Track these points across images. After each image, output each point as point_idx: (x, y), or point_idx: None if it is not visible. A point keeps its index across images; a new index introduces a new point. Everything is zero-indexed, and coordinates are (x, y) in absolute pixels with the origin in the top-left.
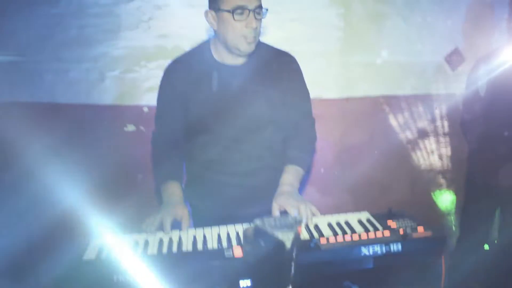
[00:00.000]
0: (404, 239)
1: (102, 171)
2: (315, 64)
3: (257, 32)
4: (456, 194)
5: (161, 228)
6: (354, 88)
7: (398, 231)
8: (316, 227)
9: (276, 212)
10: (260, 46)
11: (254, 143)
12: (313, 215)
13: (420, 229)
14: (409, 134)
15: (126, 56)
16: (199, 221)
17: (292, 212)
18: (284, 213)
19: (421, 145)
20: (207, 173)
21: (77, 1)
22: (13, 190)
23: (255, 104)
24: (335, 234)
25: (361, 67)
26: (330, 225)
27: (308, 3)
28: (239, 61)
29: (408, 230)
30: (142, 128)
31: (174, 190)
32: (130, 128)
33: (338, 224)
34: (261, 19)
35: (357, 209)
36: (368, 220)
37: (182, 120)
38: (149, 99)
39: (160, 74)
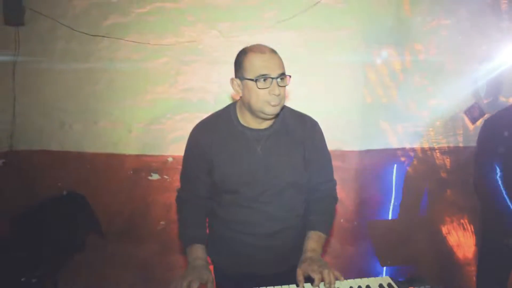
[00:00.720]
0: None
1: (125, 218)
2: (335, 120)
3: (281, 97)
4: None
5: None
6: (373, 142)
7: None
8: None
9: (300, 277)
10: (284, 111)
11: (276, 204)
12: (336, 279)
13: None
14: (428, 184)
15: (152, 108)
16: (220, 277)
17: (316, 277)
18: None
19: (441, 196)
20: (229, 232)
21: (107, 56)
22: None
23: (278, 167)
24: None
25: (380, 121)
26: None
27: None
28: (264, 125)
29: None
30: (166, 176)
31: (199, 254)
32: (155, 176)
33: None
34: (285, 86)
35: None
36: (389, 285)
37: (207, 180)
38: (174, 150)
39: (185, 126)
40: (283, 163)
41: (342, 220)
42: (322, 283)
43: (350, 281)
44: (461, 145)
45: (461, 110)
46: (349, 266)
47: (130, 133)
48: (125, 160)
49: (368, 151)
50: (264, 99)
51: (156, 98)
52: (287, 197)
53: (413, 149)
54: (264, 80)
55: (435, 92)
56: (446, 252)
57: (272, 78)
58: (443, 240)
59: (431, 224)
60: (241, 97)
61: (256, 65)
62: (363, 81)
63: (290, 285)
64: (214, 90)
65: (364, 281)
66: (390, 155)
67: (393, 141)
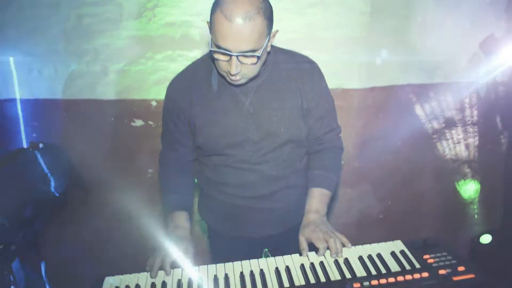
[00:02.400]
0: (444, 282)
1: (111, 168)
2: (338, 52)
3: (243, 74)
4: (481, 184)
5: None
6: (379, 77)
7: (437, 271)
8: (347, 262)
9: (303, 245)
10: (276, 53)
11: (273, 163)
12: (343, 246)
13: (461, 269)
14: (436, 124)
15: (130, 47)
16: (213, 237)
17: (321, 246)
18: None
19: (448, 136)
20: (221, 195)
21: None
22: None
23: (272, 123)
24: (368, 272)
25: (387, 54)
26: (361, 260)
27: None
28: None
29: (448, 270)
30: (150, 122)
31: (180, 222)
32: (138, 123)
33: (370, 258)
34: (251, 63)
35: (377, 200)
36: (402, 253)
37: (190, 144)
38: (157, 92)
39: (167, 66)
40: (277, 118)
41: (342, 162)
42: (328, 251)
43: (359, 248)
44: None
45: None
46: (349, 210)
47: (107, 76)
48: (104, 106)
49: (372, 89)
50: (223, 69)
51: (133, 35)
52: (285, 154)
53: (421, 86)
54: (222, 53)
55: (449, 24)
56: (451, 189)
57: (231, 55)
58: (449, 179)
59: (436, 163)
60: None
61: (217, 31)
62: (369, 9)
63: (293, 255)
64: (199, 24)
65: (374, 248)
66: (396, 93)
67: (400, 78)
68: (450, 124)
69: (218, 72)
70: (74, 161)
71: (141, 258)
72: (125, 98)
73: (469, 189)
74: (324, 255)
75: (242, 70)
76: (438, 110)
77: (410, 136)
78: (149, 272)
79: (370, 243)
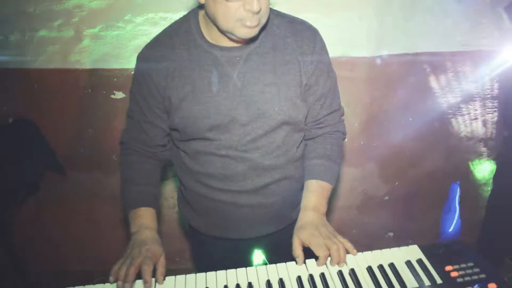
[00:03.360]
0: None
1: (90, 145)
2: (344, 15)
3: (262, 13)
4: (497, 164)
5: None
6: (390, 44)
7: None
8: (353, 274)
9: (298, 251)
10: (270, 16)
11: (264, 150)
12: (348, 254)
13: (492, 286)
14: (451, 98)
15: (106, 9)
16: (196, 240)
17: (322, 255)
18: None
19: (464, 111)
20: (202, 188)
21: None
22: None
23: (264, 100)
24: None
25: (399, 18)
26: (370, 271)
27: None
28: (240, 42)
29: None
30: None
31: (145, 221)
32: (119, 95)
33: (381, 269)
34: None
35: (384, 180)
36: (420, 263)
37: (163, 126)
38: None
39: (149, 30)
40: (271, 94)
41: (346, 140)
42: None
43: (367, 256)
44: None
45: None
46: (351, 191)
47: (81, 42)
48: (80, 76)
49: (382, 58)
50: (236, 17)
51: None
52: (279, 139)
53: (437, 54)
54: None
55: None
56: (464, 169)
57: None
58: (462, 158)
59: (449, 141)
60: (202, 5)
61: None
62: None
63: (288, 264)
64: None
65: (386, 256)
66: (409, 62)
67: (414, 44)
68: (467, 98)
69: (218, 28)
70: (48, 138)
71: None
72: (103, 67)
73: (484, 169)
74: (325, 264)
75: (262, 8)
76: (455, 82)
77: (422, 111)
78: (115, 284)
79: (374, 229)
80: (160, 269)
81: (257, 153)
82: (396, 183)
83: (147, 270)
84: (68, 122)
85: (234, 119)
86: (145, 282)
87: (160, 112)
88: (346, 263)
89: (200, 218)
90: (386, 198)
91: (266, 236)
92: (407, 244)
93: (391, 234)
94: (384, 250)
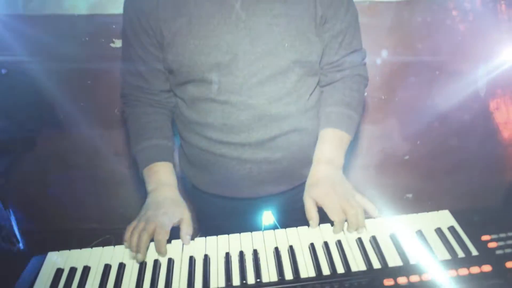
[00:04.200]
0: None
1: (88, 99)
2: None
3: None
4: None
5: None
6: None
7: (503, 263)
8: (374, 242)
9: (312, 213)
10: None
11: (272, 96)
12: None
13: None
14: (483, 48)
15: None
16: (199, 201)
17: (337, 219)
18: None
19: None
20: (203, 142)
21: None
22: None
23: (273, 36)
24: (405, 261)
25: None
26: (394, 239)
27: None
28: None
29: None
30: None
31: (163, 177)
32: (119, 43)
33: (407, 238)
34: None
35: (404, 138)
36: (452, 230)
37: (159, 67)
38: None
39: None
40: (280, 28)
41: (365, 94)
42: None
43: (391, 221)
44: None
45: None
46: (369, 149)
47: None
48: (76, 23)
49: (408, 2)
50: None
51: None
52: (290, 84)
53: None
54: None
55: None
56: (490, 130)
57: None
58: (489, 116)
59: (476, 98)
60: None
61: None
62: None
63: (299, 228)
64: None
65: (413, 221)
66: (438, 7)
67: None
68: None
69: None
70: (43, 90)
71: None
72: (100, 13)
73: None
74: (342, 230)
75: None
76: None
77: (451, 62)
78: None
79: (392, 190)
80: (185, 229)
81: (263, 99)
82: (418, 142)
83: (161, 242)
84: (65, 74)
85: (237, 57)
86: (159, 248)
87: (155, 50)
88: (366, 228)
89: (201, 176)
90: (406, 157)
91: (275, 196)
92: (426, 208)
93: (409, 195)
94: (410, 216)
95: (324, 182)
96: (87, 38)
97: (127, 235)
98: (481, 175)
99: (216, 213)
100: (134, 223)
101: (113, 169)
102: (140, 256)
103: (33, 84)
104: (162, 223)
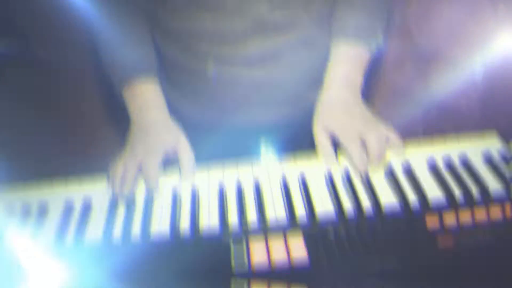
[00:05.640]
0: None
1: None
2: None
3: None
4: None
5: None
6: None
7: None
8: (407, 170)
9: (325, 145)
10: None
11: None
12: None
13: None
14: None
15: None
16: (191, 132)
17: (353, 152)
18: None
19: None
20: (189, 59)
21: None
22: None
23: None
24: (448, 193)
25: None
26: (434, 171)
27: None
28: None
29: None
30: None
31: (148, 98)
32: None
33: (449, 167)
34: None
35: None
36: (504, 158)
37: None
38: None
39: None
40: None
41: None
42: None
43: (424, 147)
44: None
45: None
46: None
47: None
48: None
49: None
50: None
51: None
52: None
53: None
54: None
55: None
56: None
57: None
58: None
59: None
60: None
61: None
62: None
63: (311, 158)
64: None
65: (451, 147)
66: None
67: None
68: None
69: None
70: None
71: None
72: None
73: None
74: (362, 165)
75: None
76: None
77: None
78: (112, 184)
79: None
80: (185, 157)
81: (266, 4)
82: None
83: (151, 174)
84: None
85: None
86: (148, 180)
87: None
88: (392, 157)
89: (185, 100)
90: None
91: (278, 124)
92: None
93: None
94: (449, 139)
95: (337, 107)
96: None
97: (110, 174)
98: None
99: (203, 146)
100: (118, 155)
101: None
102: (125, 189)
103: None
104: (152, 152)
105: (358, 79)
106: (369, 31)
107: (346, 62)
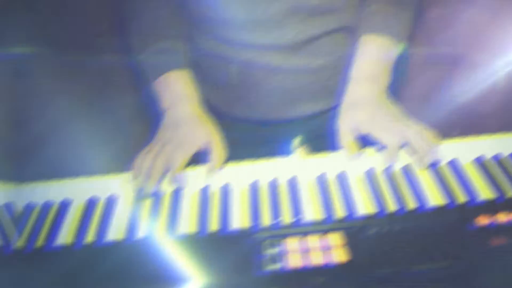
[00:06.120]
0: None
1: None
2: None
3: None
4: None
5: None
6: None
7: None
8: (454, 166)
9: (347, 138)
10: None
11: None
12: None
13: None
14: None
15: None
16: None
17: (390, 139)
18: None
19: None
20: (218, 44)
21: None
22: None
23: None
24: (501, 191)
25: None
26: (482, 166)
27: None
28: None
29: None
30: None
31: (180, 91)
32: None
33: (497, 160)
34: None
35: None
36: None
37: None
38: None
39: None
40: None
41: None
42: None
43: (469, 143)
44: None
45: None
46: None
47: None
48: None
49: None
50: None
51: None
52: None
53: None
54: None
55: None
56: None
57: None
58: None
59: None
60: None
61: None
62: None
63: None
64: None
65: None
66: None
67: None
68: None
69: None
70: None
71: None
72: None
73: None
74: (393, 159)
75: None
76: None
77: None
78: (137, 178)
79: None
80: (216, 153)
81: None
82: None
83: (176, 158)
84: None
85: None
86: (174, 177)
87: None
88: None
89: (218, 92)
90: None
91: (311, 117)
92: None
93: None
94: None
95: (364, 104)
96: None
97: (137, 162)
98: None
99: (236, 138)
100: (146, 149)
101: None
102: (151, 183)
103: None
104: (182, 147)
105: (384, 74)
106: (397, 21)
107: (370, 57)
